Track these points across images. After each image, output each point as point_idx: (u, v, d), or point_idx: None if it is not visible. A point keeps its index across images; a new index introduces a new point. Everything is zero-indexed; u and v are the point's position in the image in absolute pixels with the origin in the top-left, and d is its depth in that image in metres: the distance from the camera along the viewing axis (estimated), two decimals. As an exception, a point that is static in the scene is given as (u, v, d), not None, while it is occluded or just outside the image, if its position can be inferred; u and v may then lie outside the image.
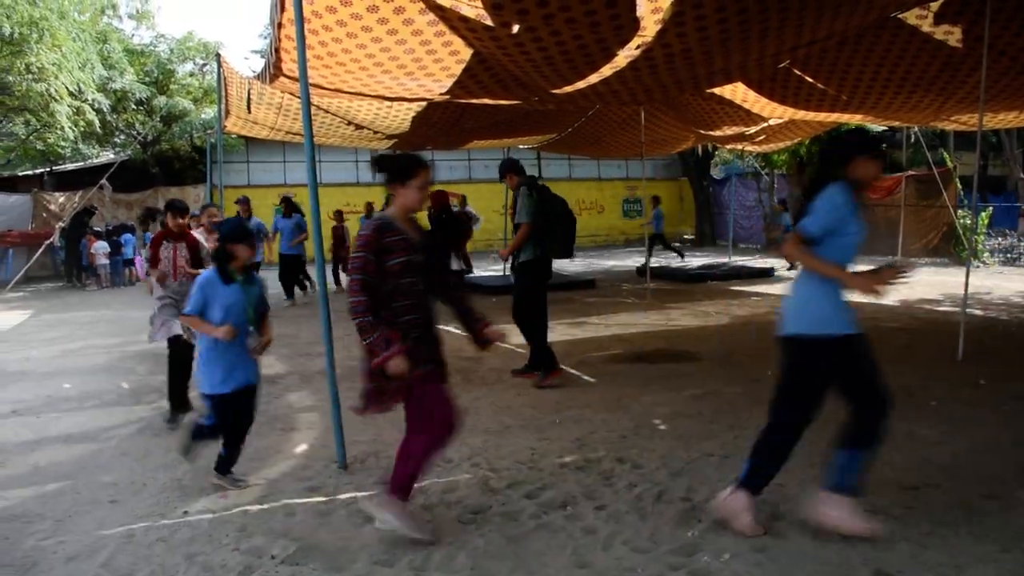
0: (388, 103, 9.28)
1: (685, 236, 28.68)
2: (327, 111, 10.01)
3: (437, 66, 6.98)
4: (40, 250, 12.23)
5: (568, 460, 4.98)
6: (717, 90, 9.55)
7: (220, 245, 4.57)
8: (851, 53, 7.79)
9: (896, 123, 13.05)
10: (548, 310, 7.42)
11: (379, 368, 3.61)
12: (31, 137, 18.15)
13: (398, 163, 3.87)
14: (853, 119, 11.95)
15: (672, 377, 7.24)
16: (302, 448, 5.51)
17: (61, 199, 21.36)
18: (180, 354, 6.23)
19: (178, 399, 6.28)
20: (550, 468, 4.86)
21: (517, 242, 7.21)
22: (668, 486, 4.48)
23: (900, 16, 6.87)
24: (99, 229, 19.68)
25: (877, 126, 19.07)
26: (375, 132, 11.70)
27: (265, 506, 4.37)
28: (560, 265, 18.46)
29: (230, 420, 4.66)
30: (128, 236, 19.52)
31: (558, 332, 9.77)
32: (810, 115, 10.77)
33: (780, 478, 3.97)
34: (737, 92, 9.74)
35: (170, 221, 6.44)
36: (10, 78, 14.18)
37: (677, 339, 9.22)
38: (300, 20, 4.87)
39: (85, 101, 15.92)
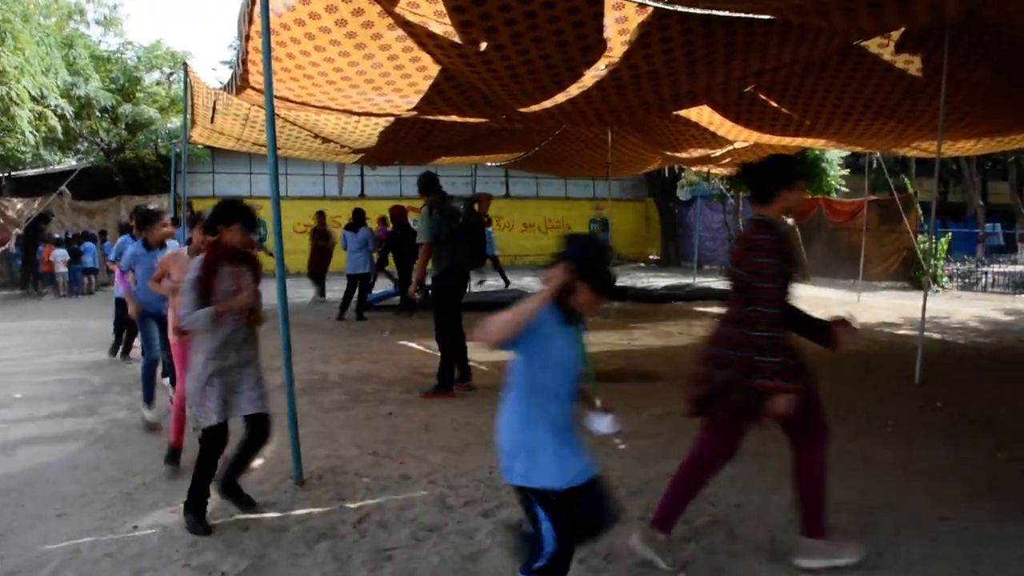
0: (355, 117, 9.25)
1: (651, 256, 28.86)
2: (293, 123, 9.96)
3: (405, 82, 6.98)
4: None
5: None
6: (683, 112, 9.64)
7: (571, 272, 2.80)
8: (815, 79, 7.91)
9: (858, 149, 13.27)
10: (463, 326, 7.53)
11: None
12: (-11, 141, 17.88)
13: (781, 166, 3.61)
14: (817, 144, 12.14)
15: (633, 396, 7.24)
16: (258, 463, 5.41)
17: (19, 205, 20.93)
18: (220, 446, 4.36)
19: (202, 498, 4.31)
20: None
21: (420, 264, 7.58)
22: (625, 505, 4.46)
23: (862, 44, 6.99)
24: (59, 236, 19.36)
25: (840, 151, 19.44)
26: (342, 146, 11.66)
27: (217, 521, 4.28)
28: (526, 283, 18.52)
29: (591, 521, 3.10)
30: (89, 244, 19.20)
31: (522, 350, 9.76)
32: (775, 139, 10.91)
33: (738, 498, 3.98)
34: (703, 115, 9.85)
35: (234, 236, 4.31)
36: (-31, 81, 13.97)
37: (640, 359, 9.25)
38: (267, 33, 4.84)
39: (48, 106, 15.69)
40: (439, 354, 7.55)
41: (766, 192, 3.55)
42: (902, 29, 6.66)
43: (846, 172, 21.48)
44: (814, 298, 16.25)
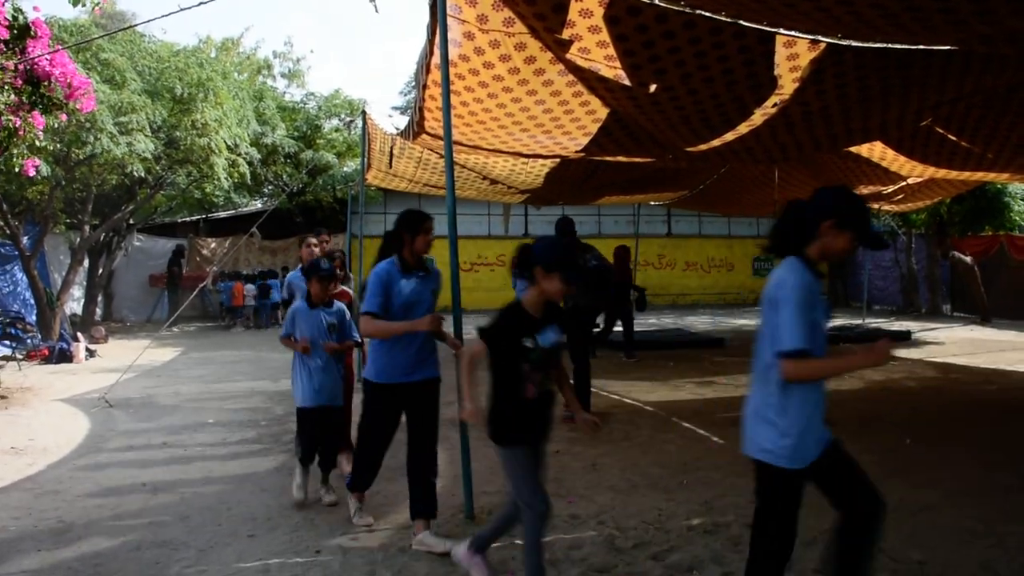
0: (524, 159, 9.51)
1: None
2: (464, 166, 10.33)
3: (574, 124, 7.14)
4: (195, 292, 13.06)
5: (696, 523, 4.89)
6: (854, 148, 9.32)
7: None
8: (1000, 109, 7.46)
9: (1049, 182, 12.36)
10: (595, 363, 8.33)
11: None
12: (190, 187, 19.56)
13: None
14: (999, 178, 11.40)
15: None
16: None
17: (213, 244, 22.85)
18: None
19: None
20: (677, 530, 4.78)
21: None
22: (799, 555, 4.31)
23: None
24: (248, 273, 21.12)
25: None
26: (509, 187, 11.97)
27: (392, 551, 4.47)
28: (688, 323, 18.25)
29: None
30: (274, 281, 20.76)
31: (687, 390, 9.64)
32: (952, 174, 10.35)
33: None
34: (875, 150, 9.48)
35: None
36: (178, 133, 15.32)
37: (810, 403, 8.90)
38: (446, 82, 5.09)
39: (240, 154, 17.00)
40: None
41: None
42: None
43: (1032, 206, 20.08)
44: (995, 341, 15.18)
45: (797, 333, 2.81)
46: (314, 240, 6.69)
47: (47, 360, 13.63)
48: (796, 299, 2.83)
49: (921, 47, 5.38)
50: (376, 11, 6.03)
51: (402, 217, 4.65)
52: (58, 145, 12.77)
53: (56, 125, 8.92)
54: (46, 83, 7.48)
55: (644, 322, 18.84)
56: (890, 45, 5.36)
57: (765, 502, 3.09)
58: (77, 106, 7.90)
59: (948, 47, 5.36)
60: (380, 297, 4.46)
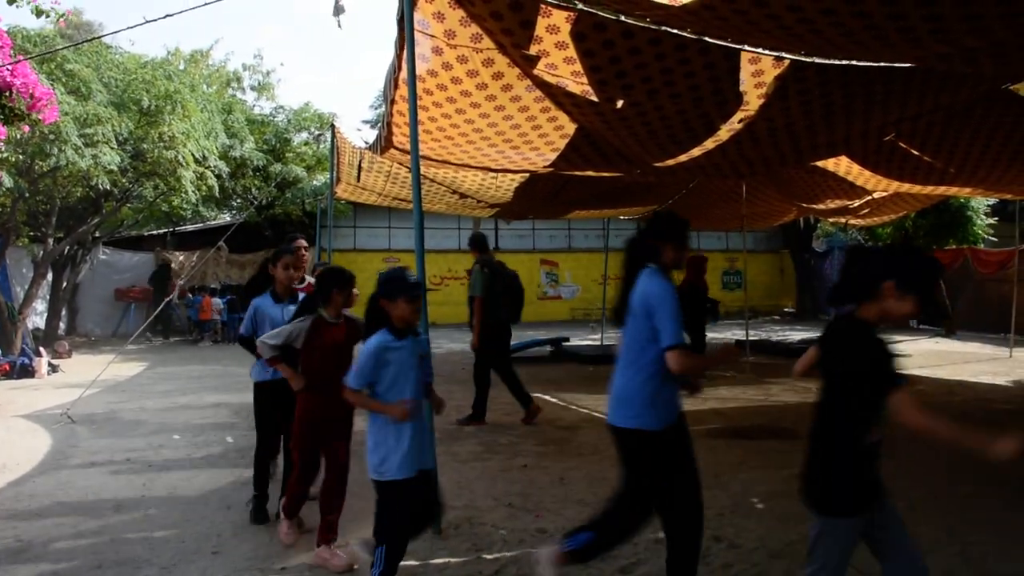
0: (493, 174, 9.53)
1: (786, 309, 28.06)
2: (433, 180, 10.33)
3: (542, 140, 7.17)
4: (160, 306, 12.91)
5: (663, 535, 4.89)
6: (820, 163, 9.46)
7: None
8: (960, 125, 7.62)
9: (1007, 195, 12.59)
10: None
11: None
12: (158, 200, 19.35)
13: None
14: (961, 192, 11.62)
15: (772, 454, 7.05)
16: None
17: (181, 258, 22.61)
18: None
19: None
20: (645, 543, 4.77)
21: (476, 314, 8.42)
22: (766, 568, 4.36)
23: (1012, 88, 6.70)
24: (214, 287, 20.90)
25: (986, 199, 18.52)
26: (478, 201, 11.99)
27: (359, 566, 4.43)
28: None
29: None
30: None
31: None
32: (916, 188, 10.52)
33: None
34: (840, 165, 9.63)
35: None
36: (144, 146, 15.16)
37: (777, 415, 8.98)
38: (414, 97, 5.10)
39: (208, 167, 16.85)
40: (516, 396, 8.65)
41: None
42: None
43: (994, 221, 20.45)
44: (959, 353, 15.41)
45: None
46: (291, 258, 5.48)
47: (8, 375, 13.38)
48: None
49: (883, 64, 5.47)
50: (339, 27, 5.96)
51: (664, 222, 3.91)
52: (21, 157, 12.59)
53: (19, 136, 8.79)
54: (7, 93, 7.37)
55: (615, 335, 18.90)
56: (852, 62, 5.45)
57: None
58: (40, 117, 7.79)
59: (908, 64, 5.46)
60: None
